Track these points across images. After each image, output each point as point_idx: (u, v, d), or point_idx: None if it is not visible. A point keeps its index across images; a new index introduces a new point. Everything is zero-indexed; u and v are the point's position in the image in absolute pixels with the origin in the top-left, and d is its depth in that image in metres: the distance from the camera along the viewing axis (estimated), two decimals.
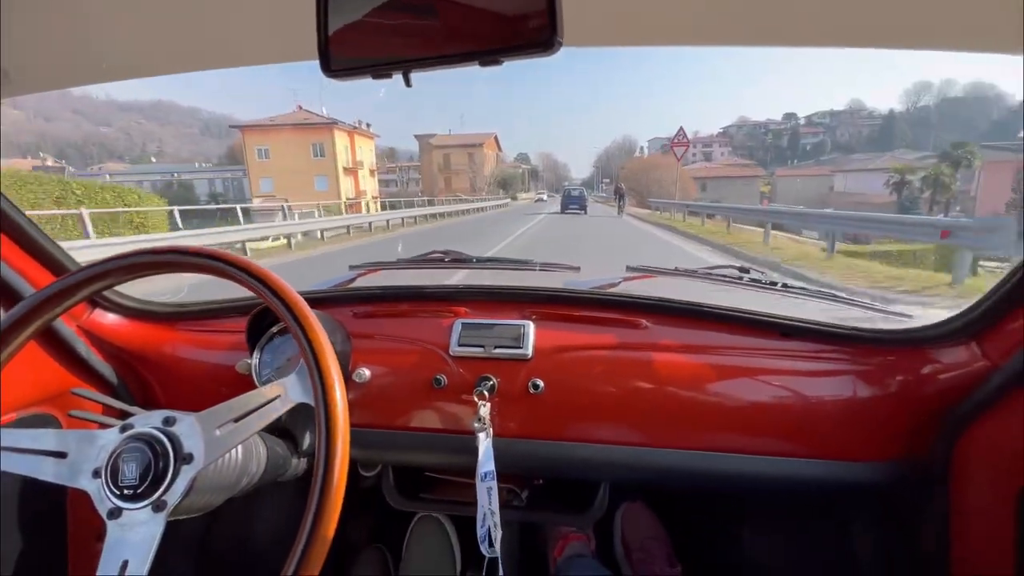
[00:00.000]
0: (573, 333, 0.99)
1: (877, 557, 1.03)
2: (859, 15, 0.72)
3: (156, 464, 0.56)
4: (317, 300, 1.10)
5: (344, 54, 0.53)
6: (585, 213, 22.86)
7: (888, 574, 1.01)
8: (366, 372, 0.97)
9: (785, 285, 1.07)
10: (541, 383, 0.94)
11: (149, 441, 0.57)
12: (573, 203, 23.67)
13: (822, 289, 1.07)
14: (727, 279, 1.13)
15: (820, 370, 0.94)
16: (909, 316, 0.97)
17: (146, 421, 0.59)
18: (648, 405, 0.95)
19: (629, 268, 1.20)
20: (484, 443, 0.89)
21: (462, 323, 1.00)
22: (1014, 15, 0.61)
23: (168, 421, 0.59)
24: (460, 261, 1.28)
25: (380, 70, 0.53)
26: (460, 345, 0.98)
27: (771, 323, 0.98)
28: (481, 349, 0.97)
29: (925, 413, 0.88)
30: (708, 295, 1.06)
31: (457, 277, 1.21)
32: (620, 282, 1.19)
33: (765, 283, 1.10)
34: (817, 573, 1.16)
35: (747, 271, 1.14)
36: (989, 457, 0.81)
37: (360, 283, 1.23)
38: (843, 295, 1.05)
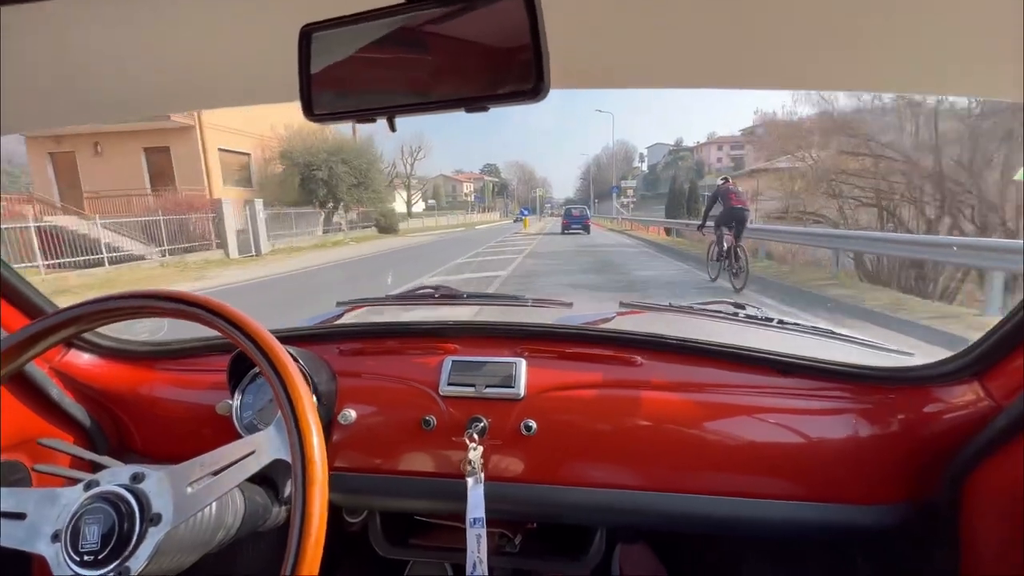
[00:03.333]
0: (566, 371, 1.00)
1: None
2: (854, 62, 0.75)
3: (121, 526, 0.54)
4: (302, 337, 1.10)
5: (327, 97, 0.53)
6: (588, 234, 22.38)
7: None
8: (352, 413, 0.96)
9: (782, 321, 1.08)
10: (534, 424, 0.93)
11: (114, 500, 0.55)
12: (575, 223, 23.10)
13: (818, 327, 1.08)
14: (722, 315, 1.14)
15: (820, 408, 0.94)
16: (911, 354, 0.99)
17: (112, 478, 0.58)
18: (644, 446, 0.95)
19: (622, 304, 1.21)
20: (474, 488, 0.89)
21: (452, 360, 1.00)
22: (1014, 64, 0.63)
23: (136, 477, 0.58)
24: (450, 297, 1.28)
25: (364, 115, 0.53)
26: (450, 384, 0.97)
27: (769, 360, 0.98)
28: (472, 388, 0.96)
29: (929, 454, 0.88)
30: (703, 331, 1.07)
31: (446, 313, 1.21)
32: (613, 317, 1.20)
33: (761, 319, 1.11)
34: None
35: (742, 307, 1.15)
36: (998, 501, 0.81)
37: (347, 319, 1.23)
38: (841, 332, 1.06)
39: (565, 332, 1.08)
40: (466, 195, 71.91)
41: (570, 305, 1.23)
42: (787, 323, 1.08)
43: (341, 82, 0.53)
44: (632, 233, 23.47)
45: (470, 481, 0.88)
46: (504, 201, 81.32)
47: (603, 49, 0.74)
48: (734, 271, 7.16)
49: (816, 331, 1.08)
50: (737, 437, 0.93)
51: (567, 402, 0.96)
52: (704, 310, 1.16)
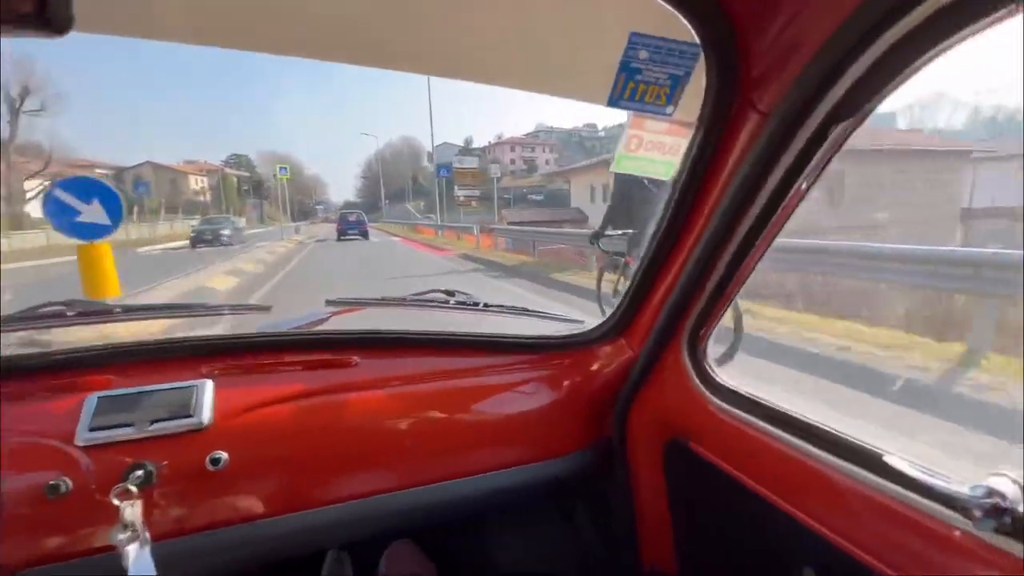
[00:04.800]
0: (268, 386, 0.93)
1: (597, 528, 1.27)
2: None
3: None
4: None
5: None
6: (367, 239, 22.45)
7: (606, 538, 1.25)
8: None
9: (486, 305, 1.21)
10: (224, 456, 0.83)
11: None
12: (352, 228, 23.27)
13: (516, 306, 1.29)
14: (435, 303, 1.22)
15: (520, 380, 1.12)
16: (582, 321, 1.25)
17: None
18: (369, 449, 0.95)
19: (329, 302, 1.20)
20: (135, 556, 0.72)
21: (98, 397, 0.83)
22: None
23: None
24: (92, 314, 1.05)
25: None
26: (94, 429, 0.79)
27: (477, 342, 1.12)
28: (130, 429, 0.81)
29: (601, 403, 1.14)
30: (419, 322, 1.15)
31: (96, 335, 0.98)
32: (326, 318, 1.17)
33: (470, 304, 1.23)
34: (563, 560, 1.35)
35: (453, 294, 1.25)
36: (643, 426, 1.10)
37: None
38: (534, 309, 1.26)
39: (264, 341, 1.01)
40: (197, 192, 53.59)
41: (268, 309, 1.15)
42: (491, 306, 1.24)
43: None
44: (467, 249, 15.62)
45: (130, 550, 0.72)
46: (259, 203, 62.23)
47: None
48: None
49: (514, 310, 1.29)
50: (457, 419, 1.02)
51: (272, 420, 0.89)
52: (418, 300, 1.23)
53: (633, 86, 0.78)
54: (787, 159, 0.69)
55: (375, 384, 0.99)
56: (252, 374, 0.95)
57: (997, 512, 0.50)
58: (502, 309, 1.26)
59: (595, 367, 1.14)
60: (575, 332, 1.18)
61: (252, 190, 63.38)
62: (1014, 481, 0.52)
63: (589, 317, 1.28)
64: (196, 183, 54.20)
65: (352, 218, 24.17)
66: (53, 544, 0.77)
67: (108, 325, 1.05)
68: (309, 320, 1.15)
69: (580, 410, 1.13)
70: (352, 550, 1.21)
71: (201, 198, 52.39)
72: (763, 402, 0.86)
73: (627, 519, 1.16)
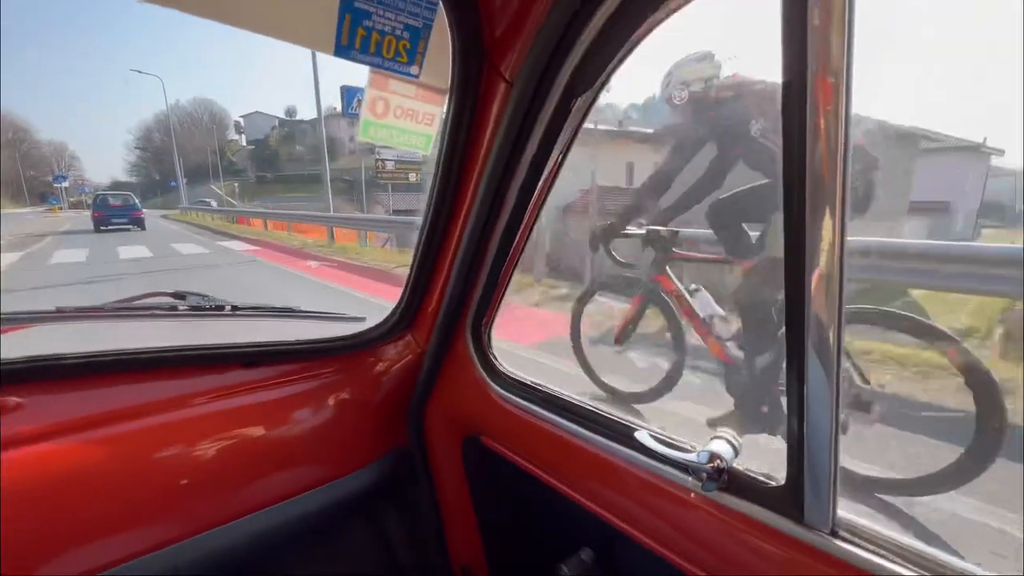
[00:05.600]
0: None
1: (406, 534, 1.19)
2: None
3: None
4: None
5: None
6: (142, 229, 17.04)
7: (415, 543, 1.18)
8: None
9: (235, 307, 0.98)
10: None
11: None
12: (117, 216, 17.37)
13: (279, 307, 1.09)
14: (154, 312, 0.94)
15: (295, 393, 0.95)
16: (363, 318, 1.11)
17: None
18: (61, 527, 0.71)
19: None
20: None
21: None
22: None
23: None
24: None
25: None
26: None
27: (230, 354, 0.91)
28: None
29: (394, 406, 1.05)
30: (139, 339, 0.87)
31: None
32: None
33: (211, 308, 0.98)
34: (375, 572, 1.22)
35: (184, 296, 0.98)
36: (441, 426, 1.06)
37: None
38: (301, 309, 1.10)
39: None
40: None
41: None
42: (242, 308, 1.01)
43: None
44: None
45: None
46: None
47: None
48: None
49: (276, 311, 1.08)
50: (224, 449, 0.84)
51: None
52: (129, 309, 0.94)
53: (364, 34, 0.66)
54: (538, 132, 0.67)
55: (46, 434, 0.72)
56: None
57: (718, 473, 0.58)
58: (259, 312, 1.04)
59: (381, 368, 1.04)
60: (356, 331, 1.05)
61: None
62: (729, 442, 0.61)
63: (371, 313, 1.15)
64: None
65: (116, 203, 17.84)
66: None
67: None
68: None
69: (371, 418, 1.04)
70: None
71: None
72: (539, 387, 0.87)
73: (433, 522, 1.13)
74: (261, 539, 0.90)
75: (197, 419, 0.85)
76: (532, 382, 0.89)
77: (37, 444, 0.71)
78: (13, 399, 0.72)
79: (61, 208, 29.71)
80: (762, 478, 0.58)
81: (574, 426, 0.78)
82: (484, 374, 0.94)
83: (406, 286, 1.00)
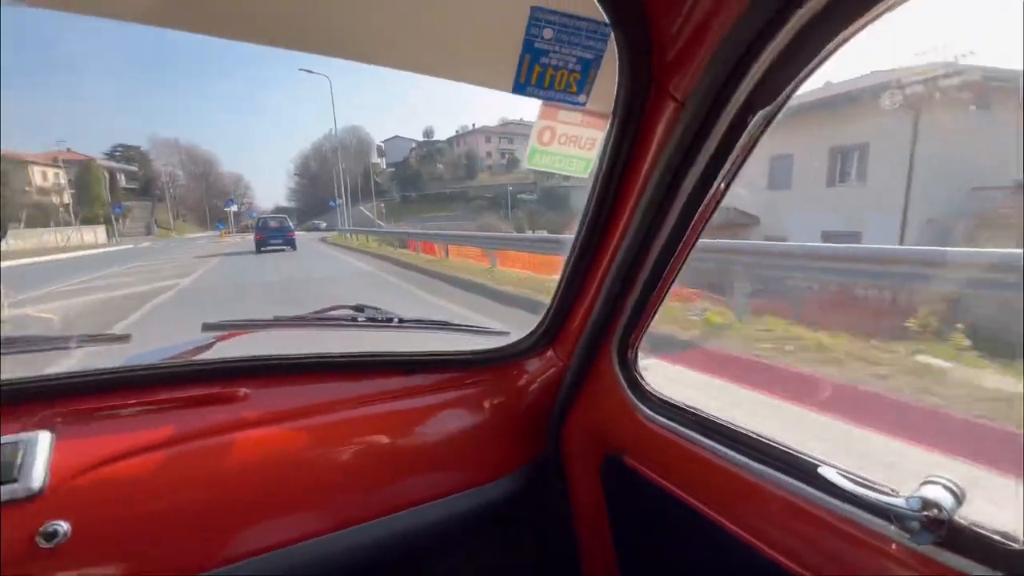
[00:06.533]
0: (128, 432, 0.82)
1: (538, 550, 1.23)
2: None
3: None
4: None
5: None
6: (294, 249, 18.81)
7: (547, 560, 1.21)
8: None
9: (401, 320, 1.13)
10: (63, 527, 0.72)
11: None
12: (274, 237, 19.42)
13: (435, 320, 1.22)
14: (340, 322, 1.13)
15: (447, 400, 1.07)
16: (507, 333, 1.19)
17: None
18: (267, 497, 0.86)
19: (208, 326, 1.07)
20: None
21: None
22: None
23: None
24: None
25: None
26: None
27: (392, 362, 1.05)
28: None
29: (533, 419, 1.12)
30: (323, 344, 1.06)
31: None
32: (206, 346, 1.05)
33: (382, 320, 1.15)
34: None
35: (362, 309, 1.15)
36: (579, 442, 1.09)
37: None
38: (454, 323, 1.22)
39: (123, 377, 0.90)
40: (47, 189, 37.50)
41: (127, 339, 1.01)
42: (407, 321, 1.16)
43: None
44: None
45: None
46: (147, 208, 47.40)
47: None
48: None
49: (434, 324, 1.21)
50: (377, 451, 0.96)
51: (126, 477, 0.78)
52: (319, 319, 1.13)
53: (540, 70, 0.73)
54: (708, 150, 0.68)
55: (270, 419, 0.90)
56: (106, 419, 0.84)
57: (934, 524, 0.51)
58: (420, 324, 1.19)
59: (524, 381, 1.11)
60: (501, 345, 1.14)
61: (143, 189, 50.22)
62: (947, 488, 0.53)
63: (516, 328, 1.23)
64: (45, 177, 37.45)
65: (275, 225, 20.50)
66: None
67: None
68: (183, 350, 1.04)
69: (512, 429, 1.11)
70: None
71: (54, 199, 36.35)
72: (695, 412, 0.86)
73: (567, 540, 1.15)
74: (399, 539, 0.99)
75: (365, 418, 0.99)
76: (685, 405, 0.88)
77: (257, 428, 0.89)
78: (242, 390, 0.92)
79: (228, 232, 34.16)
80: (998, 537, 0.50)
81: (738, 455, 0.75)
82: (630, 393, 0.95)
83: (551, 302, 1.05)
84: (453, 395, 1.08)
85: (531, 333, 1.11)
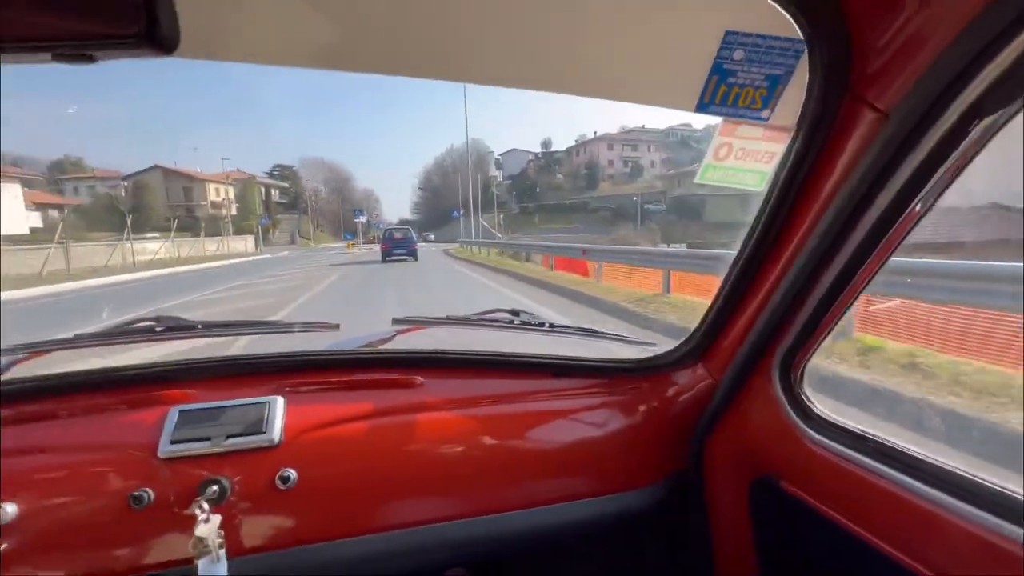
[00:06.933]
0: (335, 404, 1.00)
1: (670, 570, 1.23)
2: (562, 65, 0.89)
3: None
4: None
5: None
6: (415, 260, 20.10)
7: (677, 570, 1.20)
8: (9, 509, 0.80)
9: (552, 325, 1.21)
10: (293, 474, 0.90)
11: None
12: (399, 248, 20.81)
13: (584, 327, 1.29)
14: (499, 323, 1.24)
15: (591, 405, 1.12)
16: (654, 344, 1.23)
17: None
18: (433, 474, 0.99)
19: (396, 321, 1.26)
20: (210, 572, 0.80)
21: (180, 410, 0.92)
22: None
23: None
24: (179, 329, 1.16)
25: None
26: (175, 442, 0.88)
27: (545, 364, 1.14)
28: (207, 443, 0.89)
29: (675, 432, 1.12)
30: (483, 342, 1.19)
31: (177, 350, 1.09)
32: (392, 336, 1.23)
33: (535, 324, 1.24)
34: None
35: (518, 314, 1.26)
36: (725, 461, 1.08)
37: (18, 373, 1.04)
38: (603, 331, 1.25)
39: (333, 359, 1.09)
40: (219, 203, 46.56)
41: (336, 327, 1.22)
42: (557, 326, 1.24)
43: None
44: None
45: (202, 564, 0.80)
46: (294, 220, 55.67)
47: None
48: None
49: (582, 331, 1.29)
50: (523, 446, 1.05)
51: (339, 440, 0.96)
52: (482, 320, 1.25)
53: (726, 89, 0.75)
54: (911, 163, 0.64)
55: (438, 405, 1.03)
56: (322, 391, 1.03)
57: None
58: (569, 330, 1.26)
59: (670, 393, 1.12)
60: (649, 355, 1.16)
61: (291, 204, 59.87)
62: None
63: (663, 339, 1.25)
64: (217, 193, 46.80)
65: (399, 236, 21.78)
66: (132, 554, 0.86)
67: (188, 341, 1.18)
68: (376, 339, 1.23)
69: (653, 440, 1.12)
70: None
71: (223, 211, 44.80)
72: (872, 437, 0.80)
73: (704, 562, 1.13)
74: (532, 534, 1.04)
75: (518, 414, 1.07)
76: (861, 429, 0.82)
77: (430, 412, 1.02)
78: (419, 378, 1.06)
79: (355, 244, 36.46)
80: None
81: (923, 486, 0.68)
82: (793, 414, 0.91)
83: (705, 316, 1.05)
84: (598, 400, 1.12)
85: (680, 345, 1.12)
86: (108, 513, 0.85)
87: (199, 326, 1.16)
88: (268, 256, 29.39)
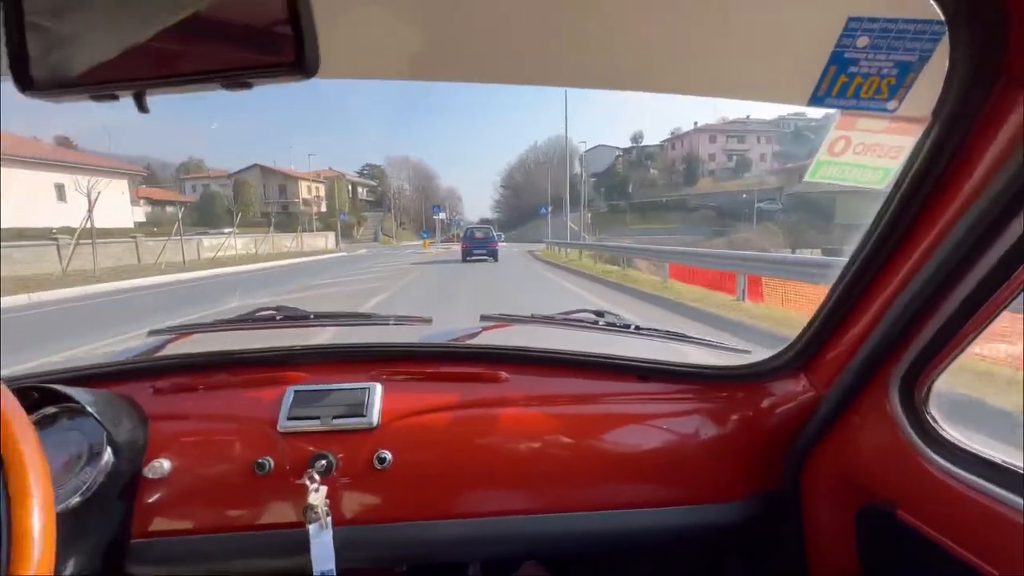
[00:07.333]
0: (426, 393, 1.07)
1: None
2: (676, 66, 0.88)
3: None
4: (104, 375, 1.10)
5: (49, 66, 0.48)
6: (495, 260, 19.17)
7: None
8: (164, 465, 0.94)
9: (638, 327, 1.20)
10: (388, 455, 0.98)
11: None
12: (478, 248, 20.00)
13: (671, 331, 1.25)
14: (583, 324, 1.25)
15: (677, 411, 1.09)
16: (748, 351, 1.17)
17: None
18: (515, 467, 1.03)
19: (484, 317, 1.31)
20: (317, 538, 0.90)
21: (295, 391, 1.03)
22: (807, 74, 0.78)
23: None
24: (295, 318, 1.30)
25: (100, 90, 0.50)
26: (291, 419, 0.99)
27: (629, 366, 1.13)
28: (317, 421, 0.99)
29: (771, 446, 1.06)
30: (567, 341, 1.20)
31: (292, 337, 1.23)
32: (479, 332, 1.28)
33: (620, 326, 1.24)
34: None
35: (602, 315, 1.26)
36: (828, 483, 1.00)
37: (168, 351, 1.21)
38: (692, 335, 1.21)
39: (424, 351, 1.15)
40: (309, 200, 49.56)
41: (429, 321, 1.30)
42: (643, 329, 1.22)
43: (68, 48, 0.48)
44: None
45: (312, 528, 0.90)
46: (378, 218, 56.26)
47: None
48: None
49: (669, 335, 1.25)
50: (605, 447, 1.05)
51: (429, 427, 1.02)
52: (567, 320, 1.26)
53: (845, 80, 0.70)
54: None
55: (522, 401, 1.06)
56: (414, 381, 1.09)
57: None
58: (656, 333, 1.23)
59: (766, 404, 1.06)
60: (743, 363, 1.10)
61: (377, 202, 61.99)
62: None
63: (757, 347, 1.18)
64: (309, 190, 50.00)
65: (480, 235, 20.84)
66: (252, 514, 0.98)
67: (301, 329, 1.31)
68: (464, 333, 1.28)
69: (745, 453, 1.06)
70: (485, 567, 1.29)
71: (314, 208, 47.66)
72: (1016, 469, 0.70)
73: None
74: (606, 537, 1.03)
75: (601, 415, 1.06)
76: (1006, 461, 0.73)
77: (514, 408, 1.05)
78: (504, 373, 1.09)
79: (431, 242, 35.28)
80: None
81: None
82: (915, 437, 0.82)
83: (809, 324, 0.98)
84: (686, 407, 1.08)
85: (779, 353, 1.04)
86: (236, 476, 0.96)
87: (311, 316, 1.29)
88: (344, 254, 29.16)
